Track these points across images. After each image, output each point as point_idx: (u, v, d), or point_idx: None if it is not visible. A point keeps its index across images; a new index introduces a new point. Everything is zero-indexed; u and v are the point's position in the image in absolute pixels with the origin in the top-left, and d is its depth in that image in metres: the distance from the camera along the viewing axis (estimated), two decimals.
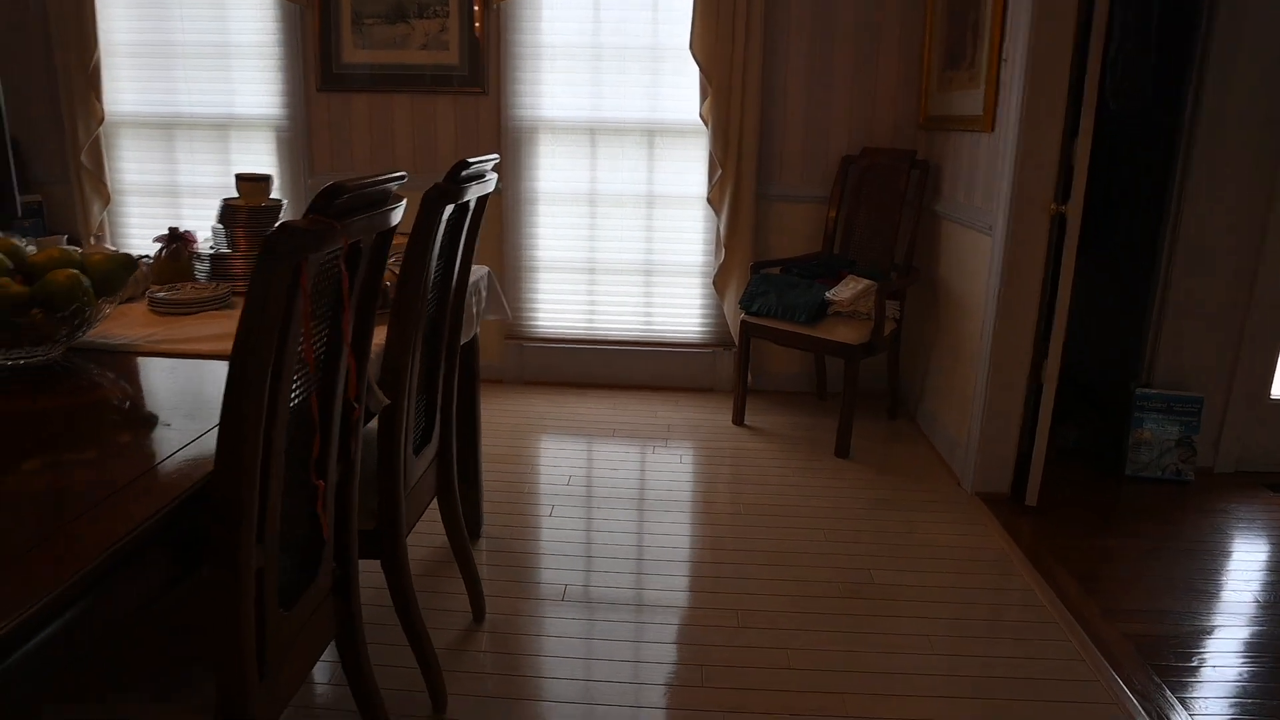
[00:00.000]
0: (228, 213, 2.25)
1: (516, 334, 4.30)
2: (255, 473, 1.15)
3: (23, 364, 1.65)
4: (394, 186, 1.44)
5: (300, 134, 4.09)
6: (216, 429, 1.11)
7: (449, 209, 1.78)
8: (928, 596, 2.50)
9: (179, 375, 1.64)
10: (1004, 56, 2.94)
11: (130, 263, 1.76)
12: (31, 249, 1.73)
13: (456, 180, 1.79)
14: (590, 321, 4.27)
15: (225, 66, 4.09)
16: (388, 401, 1.69)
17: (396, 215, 1.45)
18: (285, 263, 1.10)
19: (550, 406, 4.01)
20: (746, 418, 3.89)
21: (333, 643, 1.65)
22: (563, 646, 2.25)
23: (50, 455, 1.27)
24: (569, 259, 4.20)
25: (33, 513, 1.08)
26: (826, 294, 3.47)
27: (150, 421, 1.41)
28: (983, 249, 3.13)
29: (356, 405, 1.38)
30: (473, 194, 1.91)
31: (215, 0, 4.01)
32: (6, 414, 1.43)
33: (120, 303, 2.07)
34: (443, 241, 1.87)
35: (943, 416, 3.53)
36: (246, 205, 2.24)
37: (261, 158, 4.15)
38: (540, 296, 4.26)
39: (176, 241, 2.32)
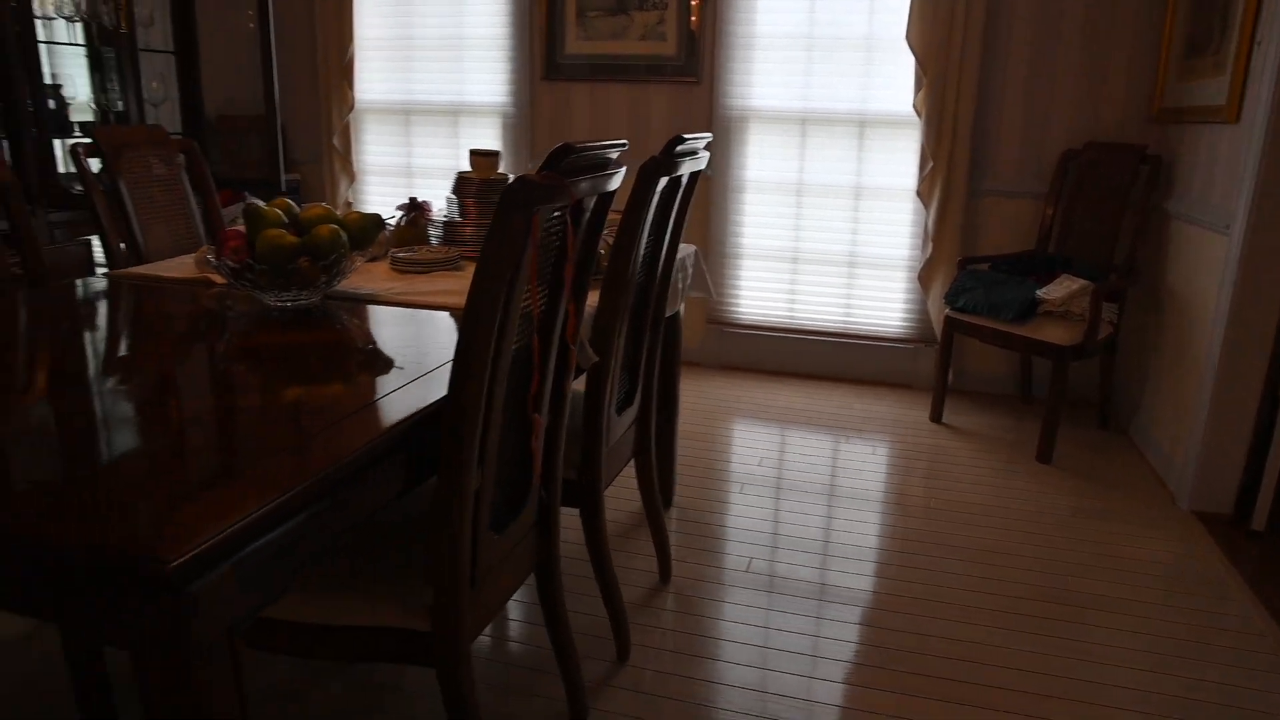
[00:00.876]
0: (461, 184, 2.46)
1: (717, 319, 4.39)
2: (481, 397, 1.29)
3: (289, 305, 1.89)
4: (615, 153, 1.55)
5: (524, 121, 4.36)
6: (444, 366, 1.26)
7: (663, 181, 1.88)
8: (1130, 610, 2.38)
9: (413, 323, 1.84)
10: (1257, 40, 2.73)
11: (380, 222, 1.98)
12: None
13: (672, 154, 1.89)
14: (791, 310, 4.30)
15: (459, 58, 4.41)
16: (596, 359, 1.81)
17: (616, 180, 1.56)
18: (520, 212, 1.22)
19: (745, 392, 4.08)
20: (945, 416, 3.80)
21: (524, 594, 1.78)
22: (745, 614, 2.31)
23: (308, 380, 1.46)
24: (773, 247, 4.24)
25: (290, 423, 1.25)
26: (1038, 292, 3.34)
27: (388, 358, 1.59)
28: (1216, 250, 2.92)
29: (572, 346, 1.51)
30: (686, 169, 2.01)
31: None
32: (274, 345, 1.65)
33: (367, 260, 2.32)
34: (655, 213, 1.98)
35: (1159, 428, 3.32)
36: (478, 178, 2.44)
37: (488, 143, 4.45)
38: (742, 283, 4.33)
39: (415, 210, 2.56)
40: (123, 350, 1.66)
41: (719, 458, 3.32)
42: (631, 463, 2.37)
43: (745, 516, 2.84)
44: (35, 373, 1.51)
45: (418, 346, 1.67)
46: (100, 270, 3.46)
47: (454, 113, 4.49)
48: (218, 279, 2.14)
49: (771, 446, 3.44)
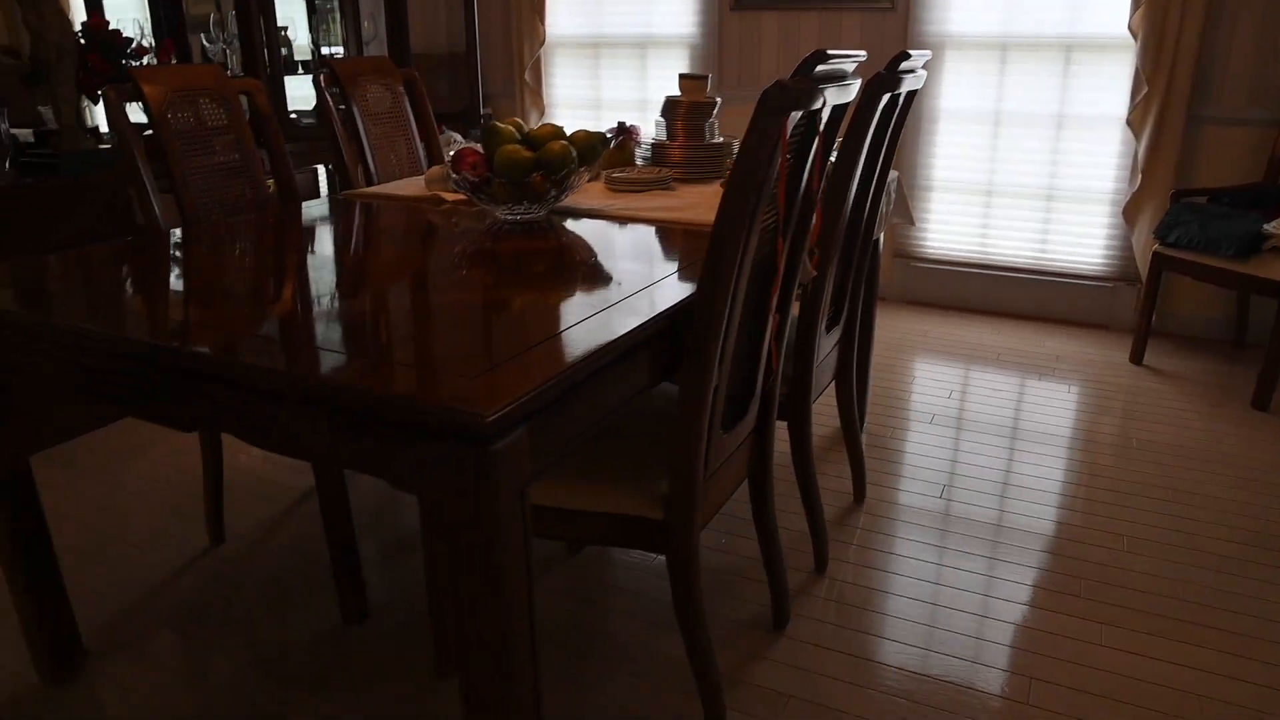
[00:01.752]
0: (669, 106, 2.52)
1: (904, 252, 4.32)
2: (729, 295, 1.35)
3: (518, 218, 2.01)
4: (853, 65, 1.57)
5: (712, 51, 4.36)
6: (669, 277, 1.32)
7: (885, 98, 1.87)
8: None
9: (631, 236, 1.92)
10: None
11: (605, 140, 2.06)
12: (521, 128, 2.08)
13: (895, 70, 1.88)
14: (982, 245, 4.17)
15: None
16: (815, 273, 1.84)
17: (853, 91, 1.57)
18: (776, 116, 1.26)
19: (932, 326, 4.01)
20: (1146, 358, 3.62)
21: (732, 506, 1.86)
22: (939, 537, 2.32)
23: (544, 283, 1.56)
24: (966, 180, 4.12)
25: (537, 321, 1.35)
26: (1265, 226, 3.12)
27: (615, 265, 1.68)
28: None
29: (816, 252, 1.55)
30: (906, 87, 1.99)
31: None
32: (510, 251, 1.77)
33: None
34: (874, 131, 1.97)
35: None
36: (686, 101, 2.49)
37: (675, 74, 4.48)
38: (933, 216, 4.22)
39: (624, 134, 2.64)
40: (387, 255, 1.82)
41: (906, 389, 3.30)
42: (831, 385, 2.40)
43: (935, 447, 2.83)
44: (327, 273, 1.68)
45: (644, 257, 1.75)
46: (325, 194, 3.73)
47: (641, 45, 4.54)
48: (448, 197, 2.29)
49: (959, 382, 3.39)
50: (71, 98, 3.01)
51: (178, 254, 1.82)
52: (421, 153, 2.81)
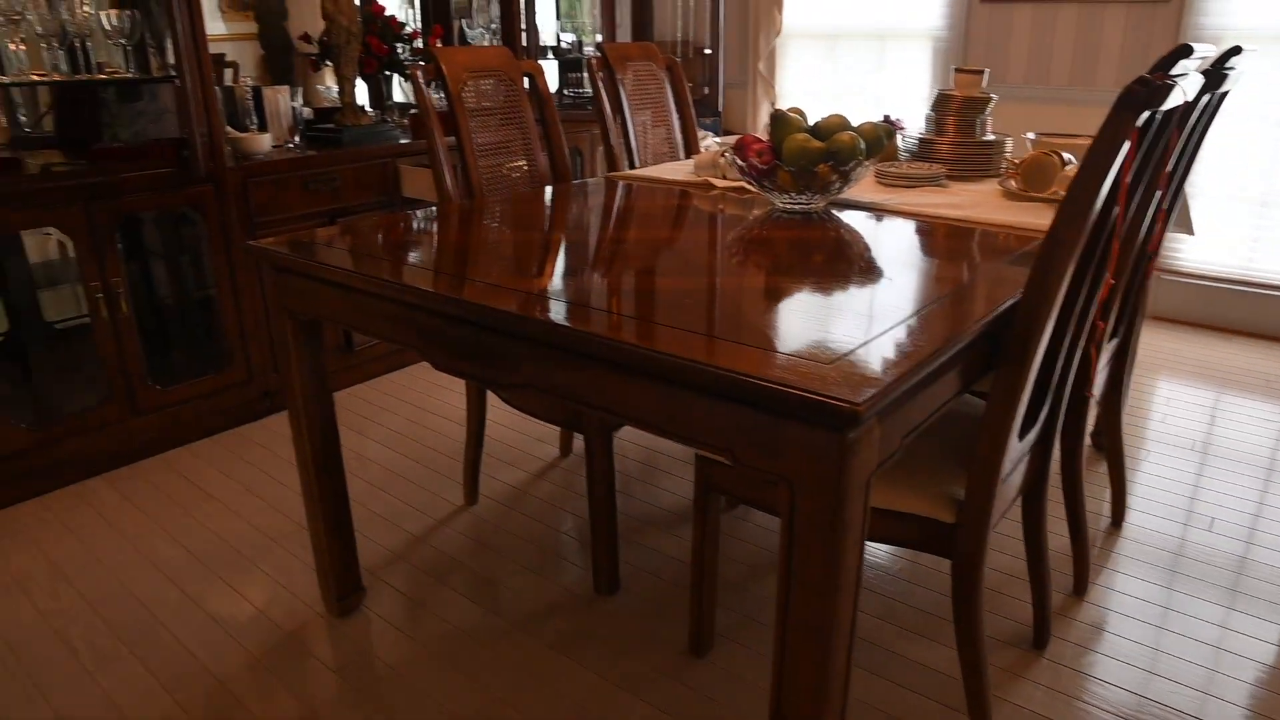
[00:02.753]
0: (941, 100, 2.44)
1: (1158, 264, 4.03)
2: (1058, 297, 1.29)
3: (796, 208, 2.00)
4: (1213, 63, 1.46)
5: (957, 45, 4.20)
6: (970, 276, 1.26)
7: (1206, 98, 1.74)
8: None
9: (909, 231, 1.87)
10: None
11: (890, 132, 2.03)
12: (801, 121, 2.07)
13: (1220, 67, 1.74)
14: (1249, 260, 3.83)
15: None
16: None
17: (1193, 91, 1.47)
18: (1133, 112, 1.20)
19: (1184, 345, 3.72)
20: None
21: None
22: (1201, 570, 2.16)
23: (843, 273, 1.55)
24: (1237, 188, 3.79)
25: (860, 311, 1.34)
26: None
27: (907, 261, 1.64)
28: None
29: (1153, 257, 1.46)
30: (1227, 86, 1.84)
31: None
32: (789, 239, 1.77)
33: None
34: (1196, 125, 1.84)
35: None
36: (960, 95, 2.41)
37: (915, 68, 4.36)
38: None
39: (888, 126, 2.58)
40: (675, 237, 1.86)
41: (1158, 412, 3.08)
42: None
43: (1193, 476, 2.63)
44: (630, 250, 1.74)
45: (934, 254, 1.70)
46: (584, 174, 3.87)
47: (880, 37, 4.43)
48: (718, 183, 2.31)
49: (1215, 407, 3.13)
50: (352, 76, 3.24)
51: (487, 224, 1.93)
52: (679, 137, 2.85)
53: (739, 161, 1.95)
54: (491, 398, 2.61)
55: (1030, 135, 2.60)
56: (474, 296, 1.35)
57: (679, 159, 2.85)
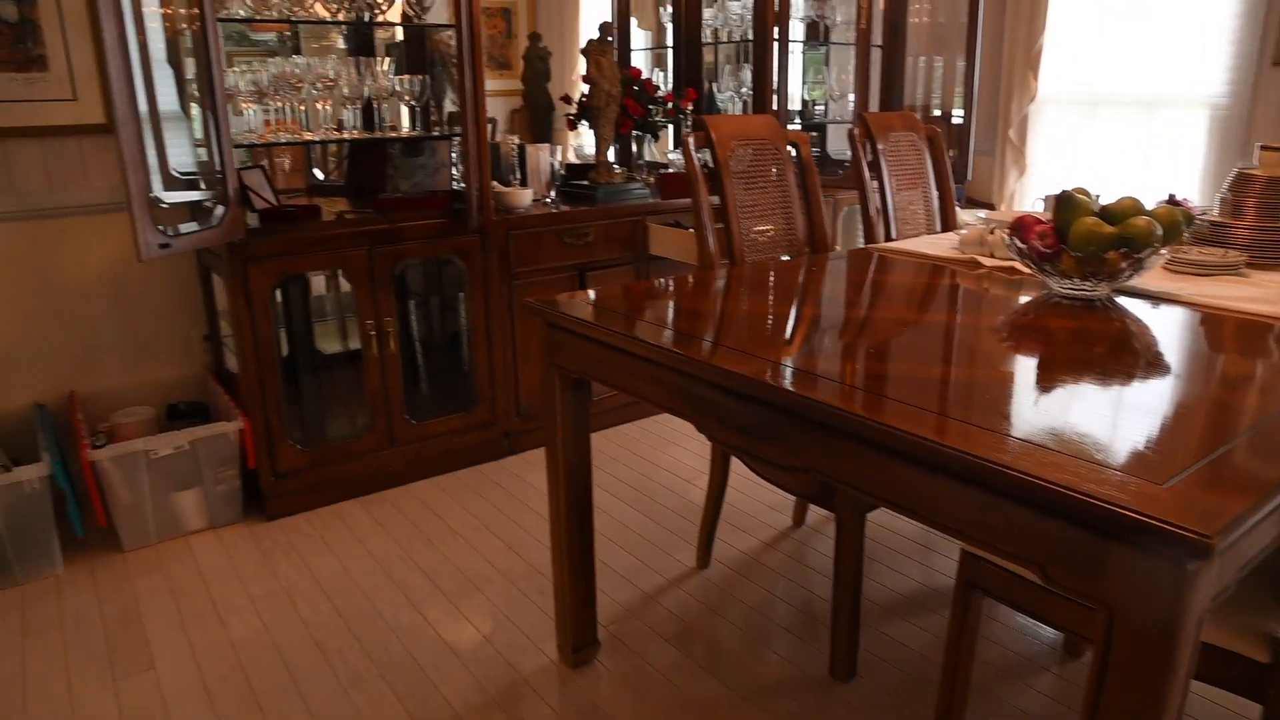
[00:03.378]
0: (1241, 181, 2.24)
1: None
2: None
3: (1079, 294, 1.88)
4: None
5: (1239, 114, 3.87)
6: None
7: None
8: None
9: (1206, 326, 1.71)
10: None
11: (1189, 219, 1.87)
12: (1098, 197, 1.95)
13: None
14: None
15: (1161, 44, 4.05)
16: None
17: None
18: None
19: None
20: None
21: None
22: None
23: (1116, 374, 1.42)
24: None
25: (1180, 417, 1.21)
26: None
27: (1208, 359, 1.49)
28: None
29: None
30: None
31: None
32: (1070, 329, 1.65)
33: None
34: None
35: None
36: (1264, 175, 2.20)
37: (1188, 139, 4.04)
38: None
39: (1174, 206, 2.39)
40: (947, 319, 1.79)
41: None
42: None
43: None
44: (906, 332, 1.69)
45: (1242, 354, 1.54)
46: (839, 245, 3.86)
47: (1149, 104, 4.15)
48: (985, 261, 2.22)
49: None
50: (609, 136, 3.38)
51: (754, 292, 1.94)
52: (936, 210, 2.77)
53: (1018, 243, 1.86)
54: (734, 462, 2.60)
55: None
56: (760, 374, 1.34)
57: (936, 231, 2.77)
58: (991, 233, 2.25)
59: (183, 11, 2.74)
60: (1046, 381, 1.37)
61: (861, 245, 2.63)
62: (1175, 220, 1.84)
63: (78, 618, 2.31)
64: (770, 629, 2.22)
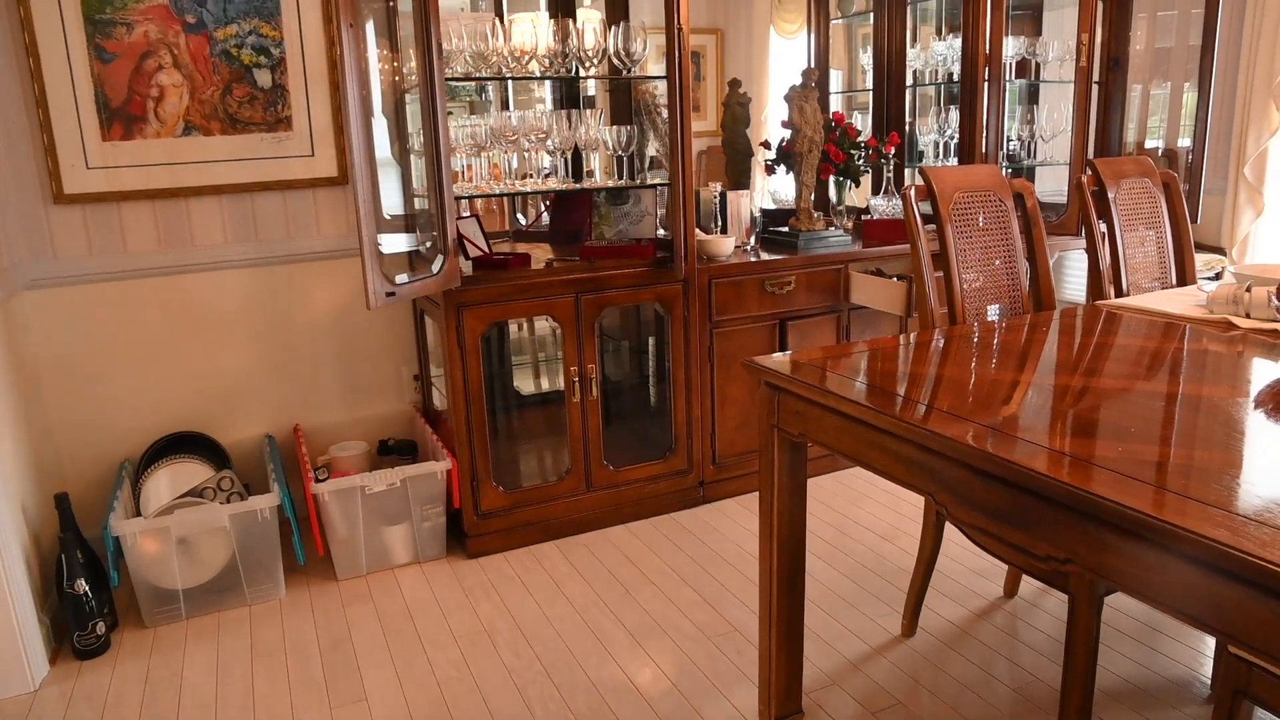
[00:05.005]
0: None
1: None
2: None
3: None
4: None
5: None
6: None
7: None
8: None
9: None
10: None
11: None
12: None
13: None
14: None
15: None
16: None
17: None
18: None
19: None
20: None
21: None
22: None
23: None
24: None
25: None
26: None
27: None
28: None
29: None
30: None
31: None
32: None
33: None
34: None
35: None
36: None
37: None
38: None
39: None
40: (1199, 389, 1.63)
41: None
42: None
43: None
44: (1143, 403, 1.55)
45: None
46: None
47: None
48: (1240, 322, 2.02)
49: None
50: (811, 183, 3.32)
51: (985, 355, 1.84)
52: (1171, 261, 2.56)
53: (1276, 302, 1.67)
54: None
55: None
56: (1016, 456, 1.25)
57: (1170, 284, 2.55)
58: (1247, 290, 2.04)
59: (404, 68, 2.91)
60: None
61: (1078, 298, 2.46)
62: None
63: (298, 643, 2.44)
64: (981, 709, 2.07)
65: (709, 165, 3.94)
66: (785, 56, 4.05)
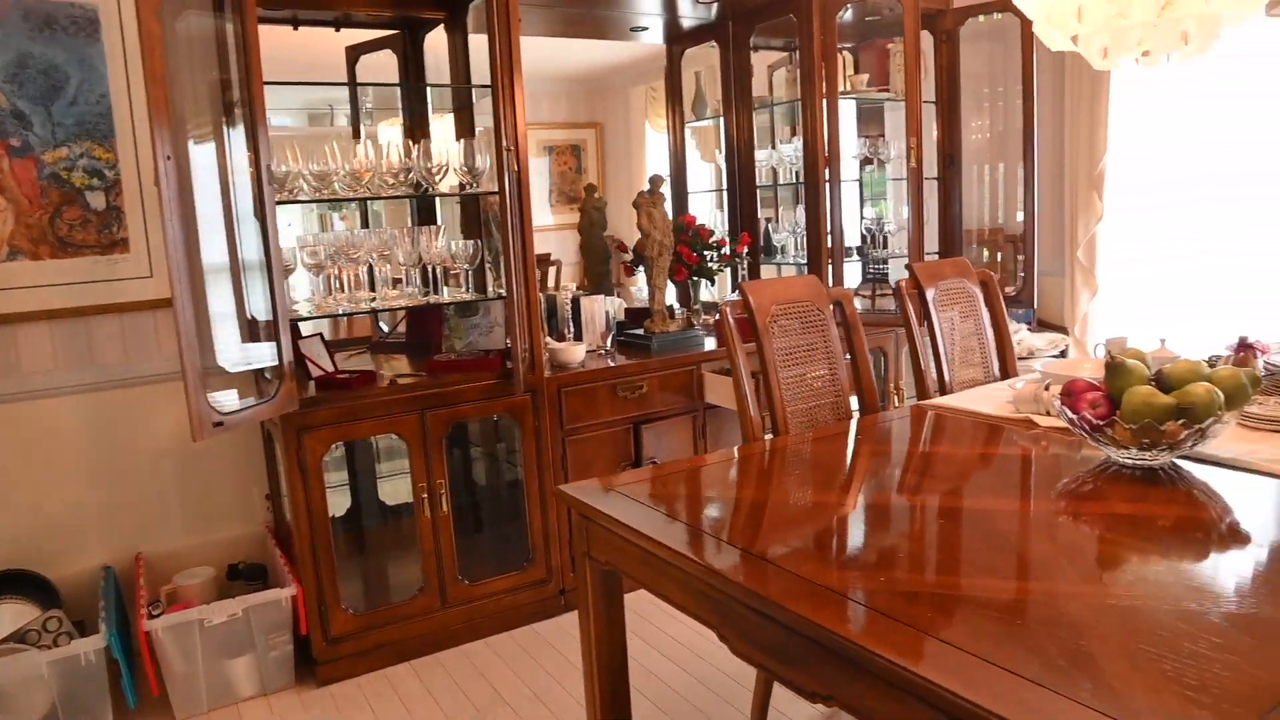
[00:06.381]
0: None
1: None
2: None
3: (1139, 465, 1.76)
4: None
5: None
6: None
7: None
8: None
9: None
10: None
11: (1255, 380, 1.76)
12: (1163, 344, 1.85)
13: None
14: None
15: (1236, 155, 3.92)
16: None
17: None
18: None
19: None
20: None
21: None
22: None
23: (1148, 558, 1.30)
24: None
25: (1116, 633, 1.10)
26: None
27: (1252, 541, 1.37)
28: None
29: None
30: None
31: (1233, 86, 3.88)
32: (1121, 514, 1.55)
33: None
34: None
35: None
36: None
37: (1268, 256, 3.87)
38: None
39: (1245, 350, 2.26)
40: (1007, 510, 1.70)
41: None
42: None
43: None
44: (960, 529, 1.61)
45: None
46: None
47: (1221, 218, 4.00)
48: (1040, 420, 2.12)
49: None
50: (663, 285, 3.40)
51: (791, 474, 1.87)
52: (994, 357, 2.68)
53: (1069, 413, 1.77)
54: None
55: None
56: (783, 596, 1.26)
57: (994, 378, 2.67)
58: (1046, 388, 2.15)
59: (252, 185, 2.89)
60: (1108, 602, 1.26)
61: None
62: (1239, 384, 1.73)
63: None
64: None
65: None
66: (663, 150, 4.18)
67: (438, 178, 2.91)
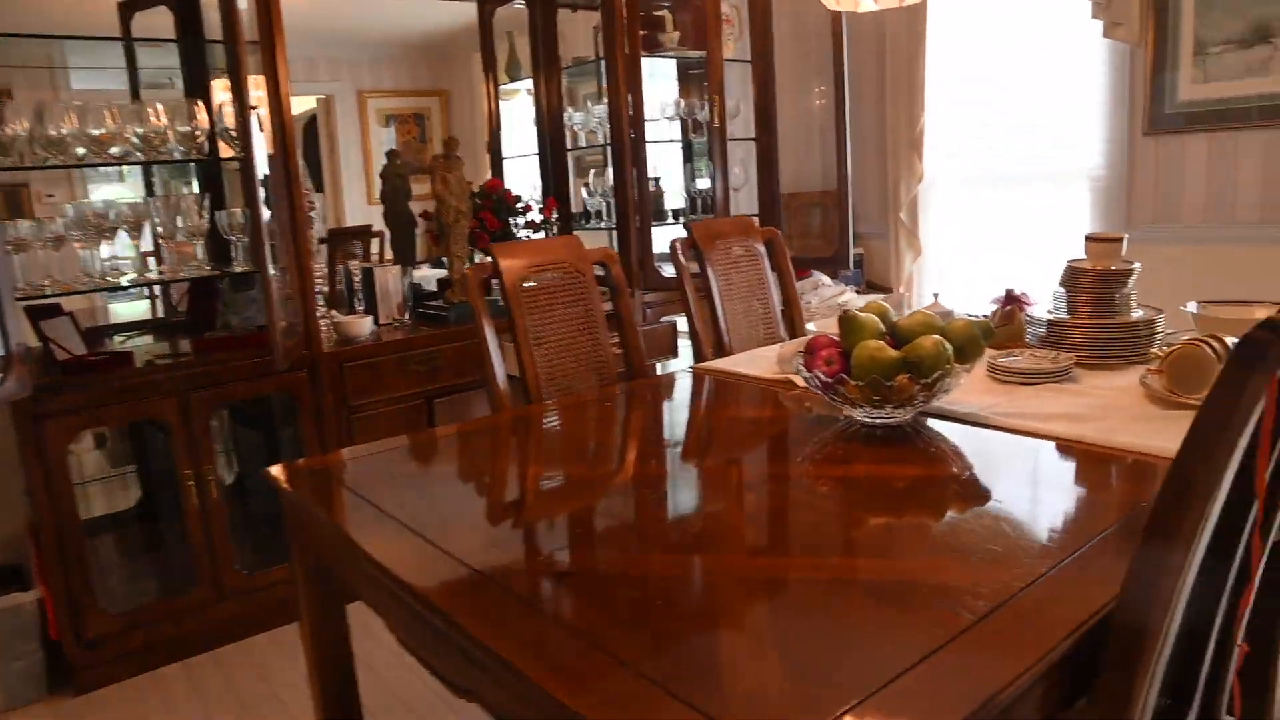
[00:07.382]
0: (1071, 275, 2.11)
1: None
2: (1173, 609, 0.95)
3: (878, 423, 1.72)
4: None
5: (1118, 185, 3.79)
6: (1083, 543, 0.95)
7: None
8: None
9: (1018, 453, 1.55)
10: None
11: (989, 332, 1.72)
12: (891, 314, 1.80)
13: None
14: None
15: (1040, 120, 4.00)
16: None
17: None
18: (1260, 375, 0.88)
19: None
20: None
21: None
22: None
23: (896, 521, 1.25)
24: None
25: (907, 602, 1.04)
26: None
27: (986, 501, 1.33)
28: None
29: None
30: None
31: (1037, 55, 3.95)
32: (862, 475, 1.49)
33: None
34: None
35: None
36: (1094, 268, 2.07)
37: (1073, 209, 3.97)
38: None
39: (1012, 303, 2.26)
40: (739, 469, 1.62)
41: None
42: None
43: None
44: (675, 498, 1.52)
45: (1028, 489, 1.38)
46: (683, 350, 3.72)
47: (1030, 180, 4.08)
48: (799, 381, 2.06)
49: None
50: (462, 253, 3.24)
51: (529, 446, 1.76)
52: (779, 315, 2.63)
53: (804, 371, 1.70)
54: None
55: (1192, 307, 2.20)
56: (414, 576, 1.15)
57: (782, 339, 2.62)
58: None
59: None
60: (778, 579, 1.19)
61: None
62: (972, 335, 1.69)
63: None
64: None
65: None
66: (512, 115, 4.00)
67: (200, 142, 2.68)
